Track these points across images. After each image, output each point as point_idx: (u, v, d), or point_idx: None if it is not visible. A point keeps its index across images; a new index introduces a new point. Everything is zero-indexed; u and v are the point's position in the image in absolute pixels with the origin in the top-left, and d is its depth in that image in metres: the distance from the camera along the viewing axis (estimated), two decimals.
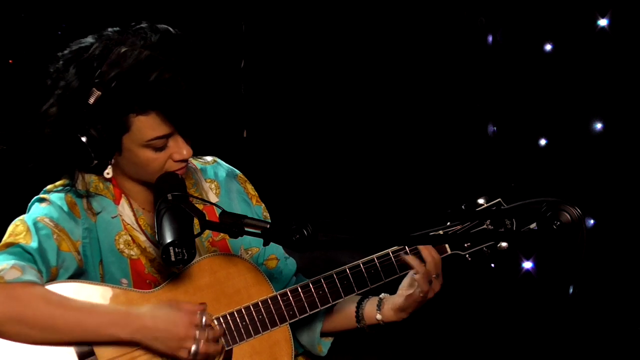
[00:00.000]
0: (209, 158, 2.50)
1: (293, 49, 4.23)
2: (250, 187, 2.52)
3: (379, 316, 2.37)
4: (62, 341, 2.12)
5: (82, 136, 2.16)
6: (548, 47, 4.05)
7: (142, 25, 2.19)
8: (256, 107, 4.20)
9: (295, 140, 4.28)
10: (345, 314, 2.43)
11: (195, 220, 2.09)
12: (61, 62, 2.19)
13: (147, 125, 2.15)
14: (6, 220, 2.27)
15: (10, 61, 3.85)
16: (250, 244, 2.45)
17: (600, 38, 3.93)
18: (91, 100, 2.12)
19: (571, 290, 3.77)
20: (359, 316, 2.40)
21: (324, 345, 2.48)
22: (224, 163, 2.53)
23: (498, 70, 4.13)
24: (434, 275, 2.28)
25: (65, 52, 2.20)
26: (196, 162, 2.46)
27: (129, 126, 2.15)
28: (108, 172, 2.25)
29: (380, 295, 2.40)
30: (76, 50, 2.18)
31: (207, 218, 2.09)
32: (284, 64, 4.24)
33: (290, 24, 4.22)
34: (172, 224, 2.07)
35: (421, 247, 2.30)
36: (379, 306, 2.38)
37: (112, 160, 2.24)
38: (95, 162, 2.19)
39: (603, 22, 3.92)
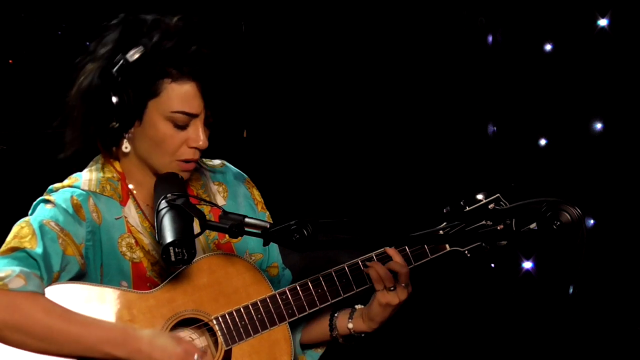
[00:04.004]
0: (217, 161, 2.50)
1: (293, 48, 4.23)
2: (257, 192, 2.52)
3: (350, 325, 2.38)
4: (59, 353, 2.10)
5: (114, 95, 2.15)
6: (548, 47, 4.05)
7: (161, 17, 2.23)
8: (256, 107, 4.20)
9: (294, 140, 4.27)
10: (321, 323, 2.44)
11: (196, 220, 2.09)
12: (109, 31, 2.21)
13: (178, 95, 2.16)
14: (6, 220, 2.27)
15: (10, 61, 3.85)
16: (254, 249, 2.44)
17: (600, 38, 3.93)
18: (134, 56, 2.14)
19: (571, 290, 3.77)
20: (332, 325, 2.40)
21: (309, 356, 2.49)
22: (232, 167, 2.52)
23: (498, 70, 4.13)
24: (389, 287, 2.28)
25: (114, 21, 2.22)
26: (205, 165, 2.46)
27: (160, 91, 2.16)
28: (126, 147, 2.24)
29: (355, 306, 2.41)
30: (123, 19, 2.21)
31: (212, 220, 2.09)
32: (284, 64, 4.24)
33: (291, 24, 4.22)
34: (172, 224, 2.06)
35: (390, 252, 2.32)
36: (351, 315, 2.39)
37: (132, 130, 2.22)
38: (117, 124, 2.18)
39: (603, 22, 3.92)
